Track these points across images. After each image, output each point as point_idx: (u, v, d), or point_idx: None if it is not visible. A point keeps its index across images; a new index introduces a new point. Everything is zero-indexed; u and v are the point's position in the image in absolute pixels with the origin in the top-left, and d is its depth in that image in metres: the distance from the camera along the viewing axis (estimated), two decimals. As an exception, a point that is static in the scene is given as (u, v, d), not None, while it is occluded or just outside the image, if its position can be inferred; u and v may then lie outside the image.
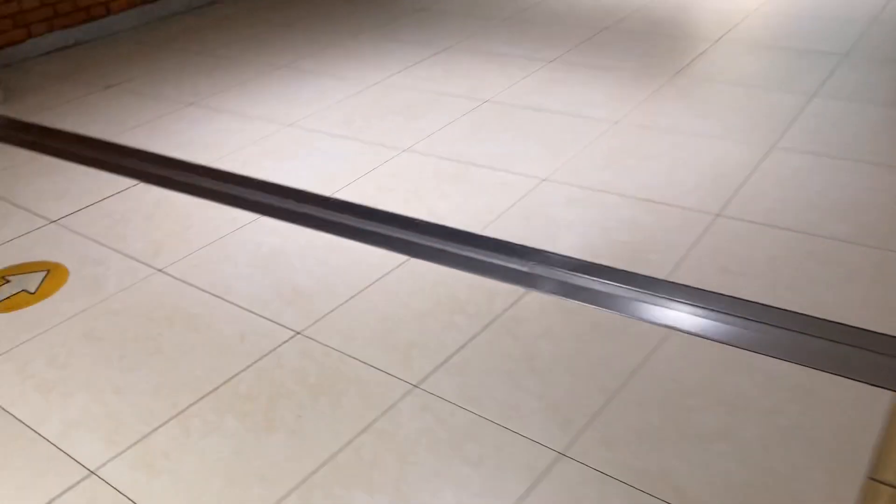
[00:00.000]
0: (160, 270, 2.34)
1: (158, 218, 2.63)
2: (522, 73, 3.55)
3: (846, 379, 1.74)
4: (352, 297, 2.15)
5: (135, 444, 1.73)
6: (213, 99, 3.56)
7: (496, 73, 3.56)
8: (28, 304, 2.24)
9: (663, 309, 2.00)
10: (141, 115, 3.47)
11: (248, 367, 1.93)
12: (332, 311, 2.10)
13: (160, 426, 1.77)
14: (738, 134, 2.84)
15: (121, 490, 1.62)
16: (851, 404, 1.68)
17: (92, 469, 1.68)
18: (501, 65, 3.65)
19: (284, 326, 2.06)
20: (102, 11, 4.63)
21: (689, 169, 2.64)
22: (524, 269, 2.20)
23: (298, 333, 2.02)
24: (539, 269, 2.19)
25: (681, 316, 1.97)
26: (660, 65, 3.52)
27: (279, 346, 1.99)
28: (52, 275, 2.36)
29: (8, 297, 2.27)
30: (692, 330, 1.92)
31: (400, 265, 2.26)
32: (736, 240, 2.25)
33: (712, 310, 1.98)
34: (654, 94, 3.22)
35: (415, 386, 1.82)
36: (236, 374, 1.90)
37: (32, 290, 2.29)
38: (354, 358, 1.92)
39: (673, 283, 2.09)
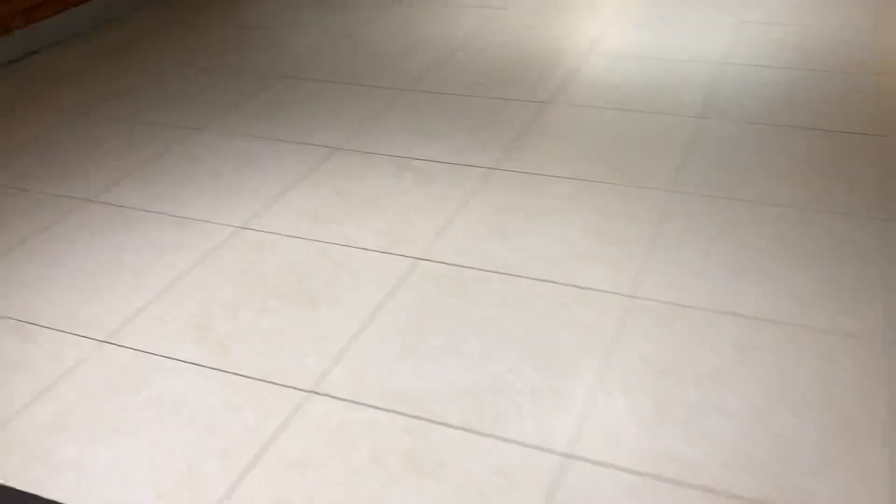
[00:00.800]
0: None
1: None
2: (457, 194, 2.41)
3: None
4: None
5: None
6: (-29, 282, 2.20)
7: (420, 199, 2.41)
8: None
9: None
10: None
11: None
12: None
13: None
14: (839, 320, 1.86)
15: None
16: None
17: None
18: (421, 181, 2.50)
19: None
20: None
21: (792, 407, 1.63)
22: None
23: None
24: None
25: None
26: (649, 167, 2.49)
27: None
28: None
29: None
30: None
31: None
32: None
33: None
34: (664, 225, 2.19)
35: None
36: None
37: None
38: None
39: None
